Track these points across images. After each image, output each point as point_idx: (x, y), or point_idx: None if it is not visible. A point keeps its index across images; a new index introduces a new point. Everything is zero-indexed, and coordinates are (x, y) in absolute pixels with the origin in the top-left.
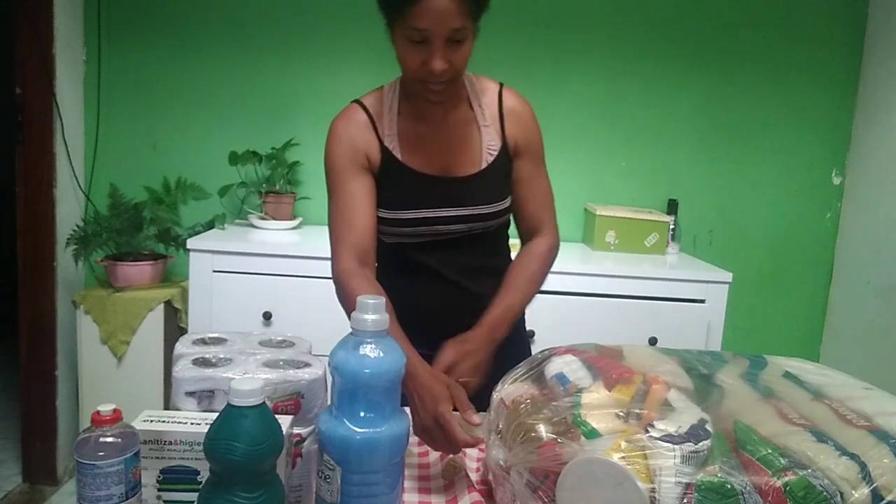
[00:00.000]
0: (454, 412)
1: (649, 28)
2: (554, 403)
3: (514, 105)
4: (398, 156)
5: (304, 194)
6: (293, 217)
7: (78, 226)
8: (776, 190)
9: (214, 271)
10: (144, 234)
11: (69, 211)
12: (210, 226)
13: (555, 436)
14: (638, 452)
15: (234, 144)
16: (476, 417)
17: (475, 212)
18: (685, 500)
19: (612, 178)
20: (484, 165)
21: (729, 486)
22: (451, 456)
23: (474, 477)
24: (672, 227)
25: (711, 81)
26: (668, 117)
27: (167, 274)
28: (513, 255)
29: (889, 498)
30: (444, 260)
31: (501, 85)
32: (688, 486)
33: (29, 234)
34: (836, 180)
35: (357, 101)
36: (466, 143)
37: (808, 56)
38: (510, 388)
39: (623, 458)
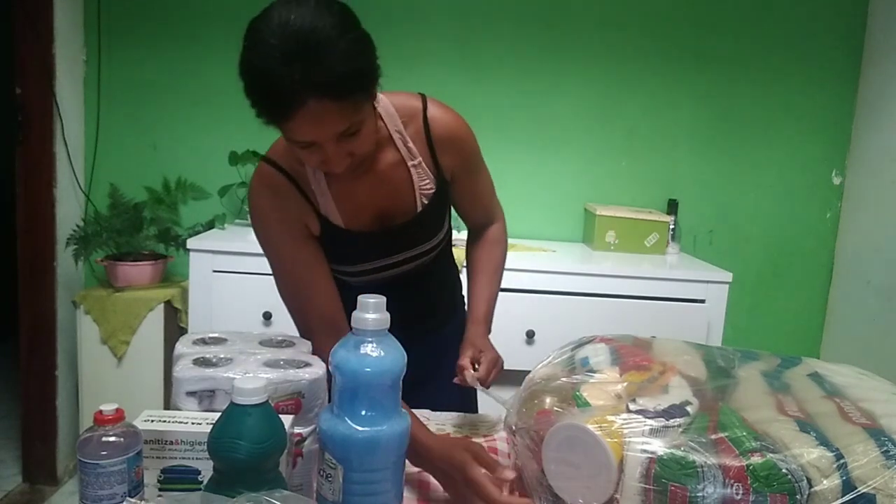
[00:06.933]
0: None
1: (649, 28)
2: (564, 380)
3: (442, 132)
4: (337, 222)
5: None
6: None
7: (78, 226)
8: (776, 190)
9: (214, 271)
10: (144, 234)
11: (69, 211)
12: (210, 226)
13: (553, 405)
14: (614, 422)
15: (234, 144)
16: (508, 472)
17: (418, 251)
18: (648, 467)
19: (612, 178)
20: (419, 209)
21: (690, 460)
22: None
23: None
24: (672, 227)
25: (711, 81)
26: (668, 117)
27: (167, 274)
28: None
29: (862, 489)
30: (399, 295)
31: (424, 102)
32: (653, 455)
33: (29, 234)
34: (836, 180)
35: (270, 163)
36: (399, 189)
37: (808, 56)
38: (542, 371)
39: (600, 426)
